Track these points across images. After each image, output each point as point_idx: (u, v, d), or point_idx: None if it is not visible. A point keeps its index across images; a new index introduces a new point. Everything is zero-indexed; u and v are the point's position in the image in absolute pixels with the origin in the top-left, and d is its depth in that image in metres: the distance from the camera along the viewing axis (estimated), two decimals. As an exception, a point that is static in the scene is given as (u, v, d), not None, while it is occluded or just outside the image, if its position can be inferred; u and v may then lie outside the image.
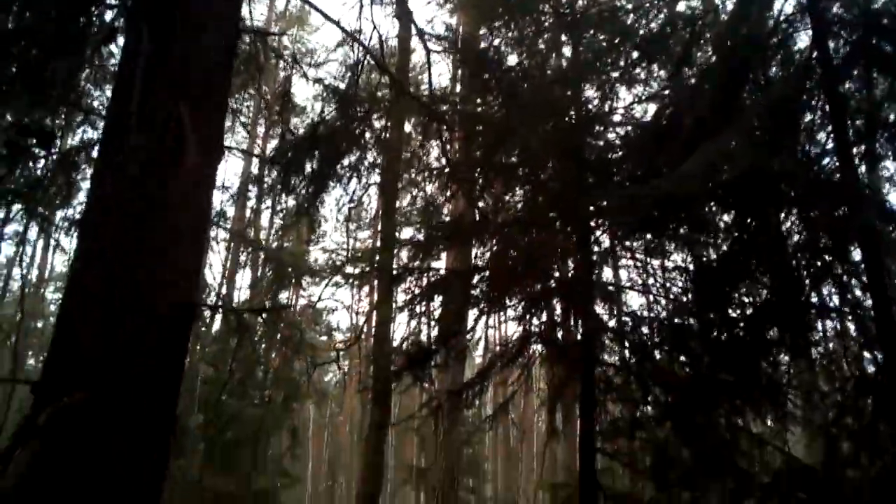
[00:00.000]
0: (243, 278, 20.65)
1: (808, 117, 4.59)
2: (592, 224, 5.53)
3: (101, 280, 2.09)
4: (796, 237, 4.78)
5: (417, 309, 6.49)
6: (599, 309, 5.71)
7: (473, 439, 25.12)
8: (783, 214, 4.86)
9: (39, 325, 24.24)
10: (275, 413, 14.63)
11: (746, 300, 5.30)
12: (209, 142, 2.57)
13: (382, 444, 8.81)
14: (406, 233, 10.22)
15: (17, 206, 5.99)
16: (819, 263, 4.71)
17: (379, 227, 15.38)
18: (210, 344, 15.21)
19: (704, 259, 5.64)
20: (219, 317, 19.24)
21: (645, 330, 5.72)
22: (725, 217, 5.54)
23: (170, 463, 2.18)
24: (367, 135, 5.46)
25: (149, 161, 2.24)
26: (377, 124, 5.77)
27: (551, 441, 9.83)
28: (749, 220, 4.73)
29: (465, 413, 16.31)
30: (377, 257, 9.77)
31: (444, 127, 5.45)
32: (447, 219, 6.72)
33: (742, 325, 5.29)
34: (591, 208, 5.51)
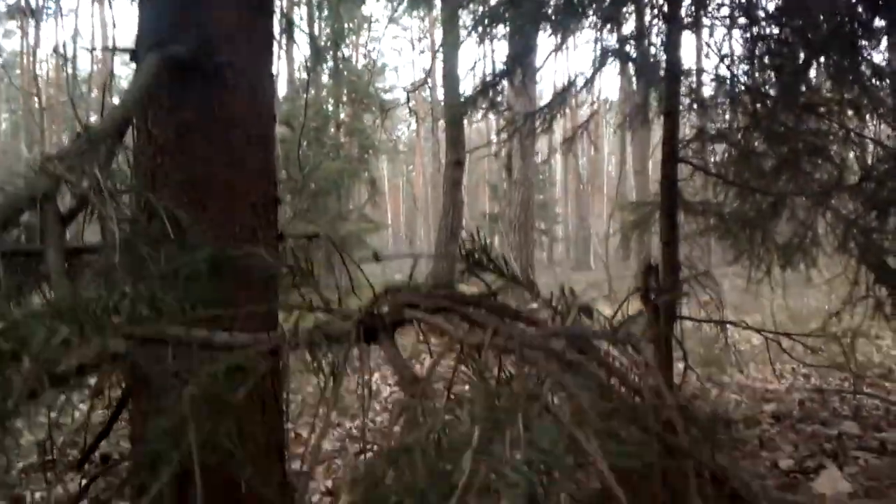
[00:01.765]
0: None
1: None
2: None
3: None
4: None
5: (485, 31, 6.18)
6: (683, 14, 5.25)
7: (545, 180, 25.52)
8: None
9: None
10: (352, 164, 15.17)
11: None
12: None
13: (460, 178, 9.08)
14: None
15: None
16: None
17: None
18: (280, 105, 15.46)
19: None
20: (284, 78, 19.17)
21: (735, 35, 5.29)
22: None
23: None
24: None
25: None
26: None
27: (623, 164, 9.84)
28: None
29: (536, 158, 16.34)
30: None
31: None
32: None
33: (840, 16, 4.82)
34: None
